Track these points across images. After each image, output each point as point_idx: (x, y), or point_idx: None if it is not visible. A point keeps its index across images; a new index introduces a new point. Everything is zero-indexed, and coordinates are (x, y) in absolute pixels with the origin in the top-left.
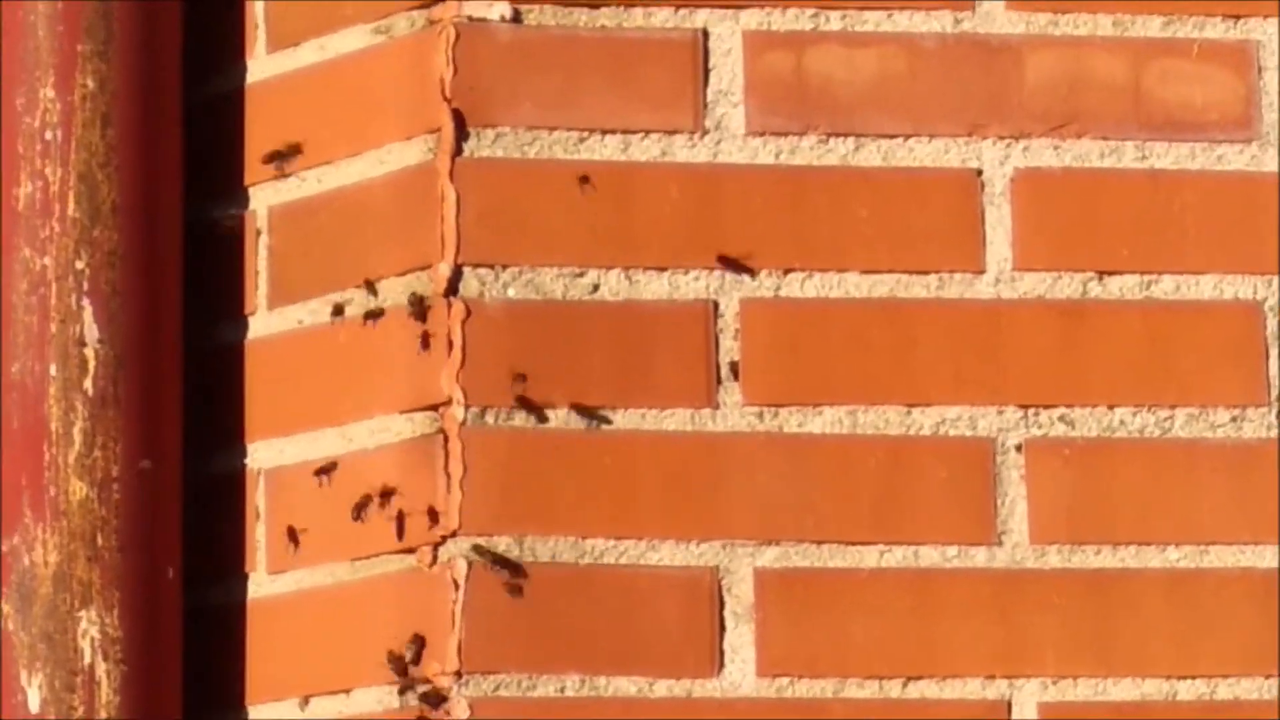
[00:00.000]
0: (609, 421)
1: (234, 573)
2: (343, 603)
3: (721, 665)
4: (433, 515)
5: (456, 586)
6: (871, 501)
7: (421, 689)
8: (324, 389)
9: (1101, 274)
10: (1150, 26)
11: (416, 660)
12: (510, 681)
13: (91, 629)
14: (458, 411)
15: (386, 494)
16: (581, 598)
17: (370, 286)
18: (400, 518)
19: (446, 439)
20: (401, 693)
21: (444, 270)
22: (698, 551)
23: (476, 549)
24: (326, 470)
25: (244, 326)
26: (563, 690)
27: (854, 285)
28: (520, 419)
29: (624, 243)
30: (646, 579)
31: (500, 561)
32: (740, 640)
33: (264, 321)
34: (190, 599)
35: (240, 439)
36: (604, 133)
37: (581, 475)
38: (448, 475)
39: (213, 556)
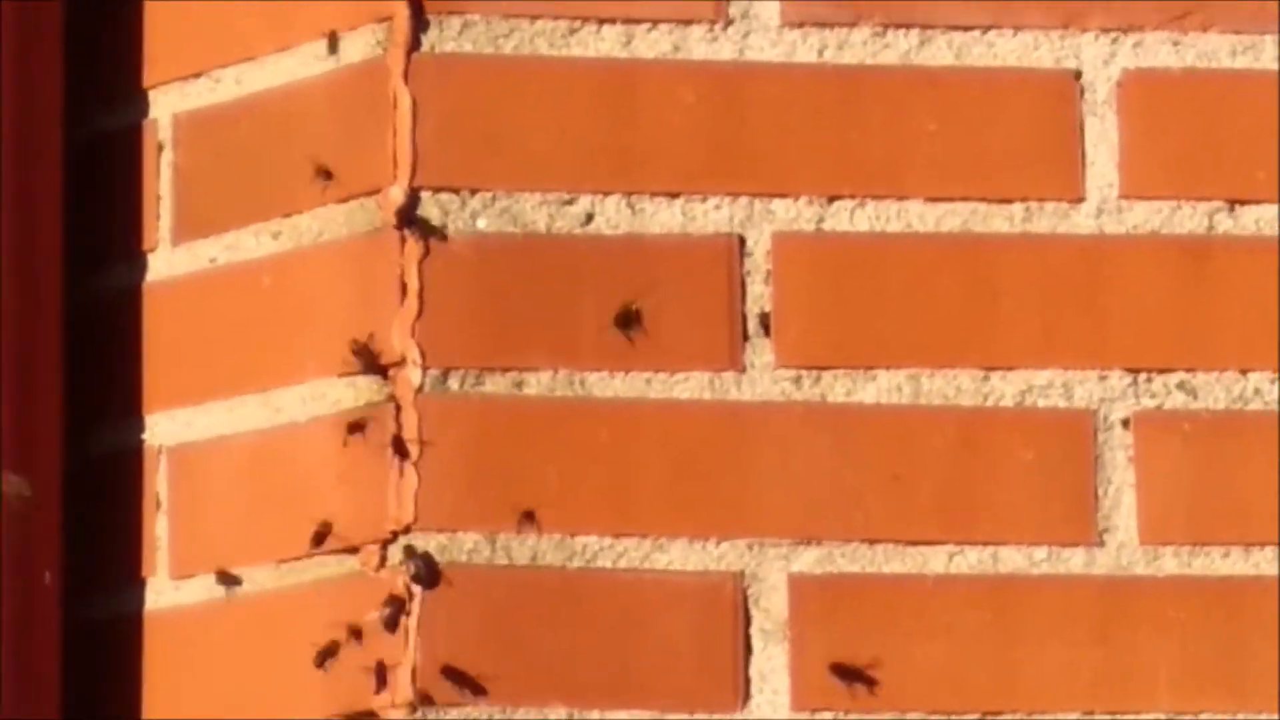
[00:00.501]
0: (605, 388)
1: (128, 578)
2: (266, 617)
3: (747, 697)
4: (380, 506)
5: (410, 596)
6: (938, 490)
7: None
8: (244, 346)
9: (1232, 203)
10: None
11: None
12: (478, 717)
13: None
14: (413, 374)
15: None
16: (570, 610)
17: (300, 217)
18: (340, 506)
19: (399, 409)
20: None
21: (397, 196)
22: (717, 553)
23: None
24: (246, 449)
25: (141, 267)
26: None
27: (917, 217)
28: (493, 384)
29: (625, 162)
30: (652, 587)
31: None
32: (770, 665)
33: (167, 261)
34: (73, 611)
35: (137, 410)
36: (601, 22)
37: (570, 456)
38: (400, 455)
39: (101, 558)
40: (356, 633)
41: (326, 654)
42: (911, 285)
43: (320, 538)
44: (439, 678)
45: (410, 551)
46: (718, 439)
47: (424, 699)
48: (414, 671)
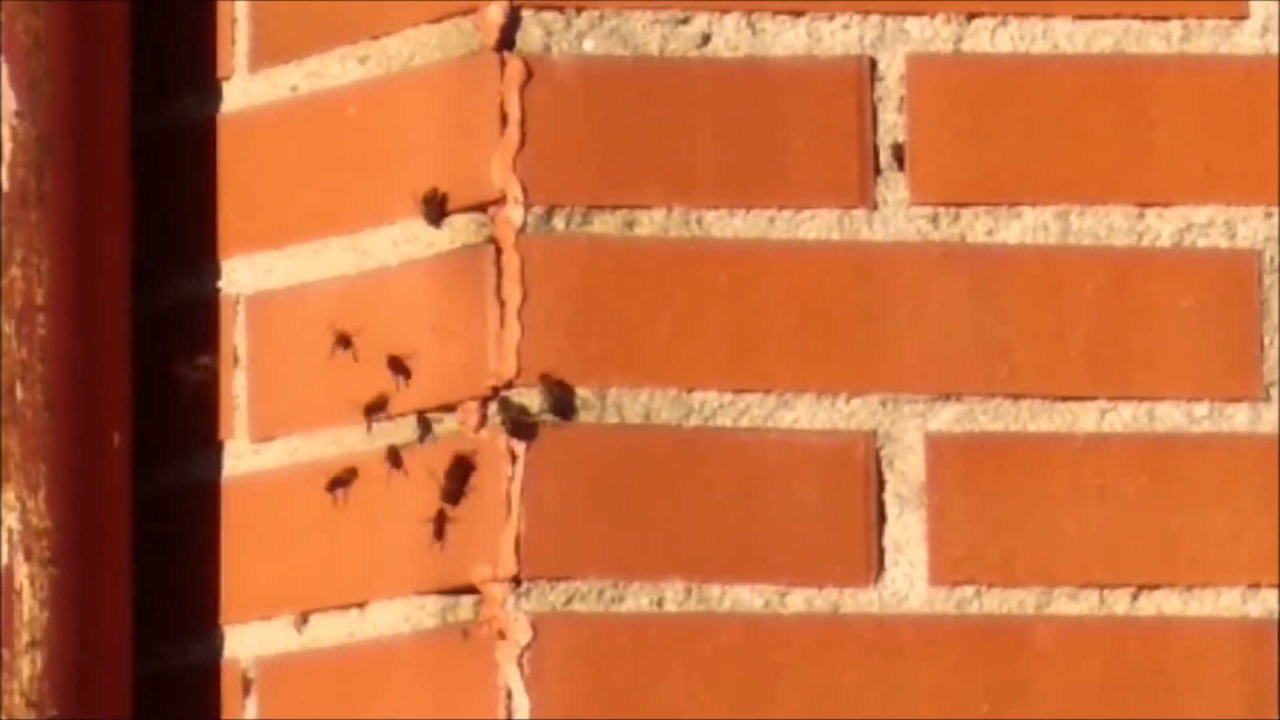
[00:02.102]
0: (724, 228)
1: (203, 441)
2: (355, 483)
3: (880, 569)
4: (479, 359)
5: (513, 457)
6: (1089, 340)
7: (466, 601)
8: (328, 183)
9: None
10: None
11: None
12: (587, 591)
13: (8, 517)
14: (514, 213)
15: (401, 366)
16: (686, 474)
17: (390, 39)
18: (434, 362)
19: (499, 251)
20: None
21: (496, 15)
22: (847, 410)
23: (544, 403)
24: (332, 297)
25: (215, 97)
26: (660, 603)
27: (1065, 37)
28: (602, 224)
29: None
30: (776, 448)
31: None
32: (907, 534)
33: (243, 90)
34: (143, 478)
35: (211, 256)
36: None
37: (686, 303)
38: (501, 302)
39: (174, 419)
40: (451, 498)
41: (439, 522)
42: (1059, 112)
43: (376, 406)
44: (543, 548)
45: (505, 404)
46: (847, 283)
47: (527, 572)
48: (516, 541)
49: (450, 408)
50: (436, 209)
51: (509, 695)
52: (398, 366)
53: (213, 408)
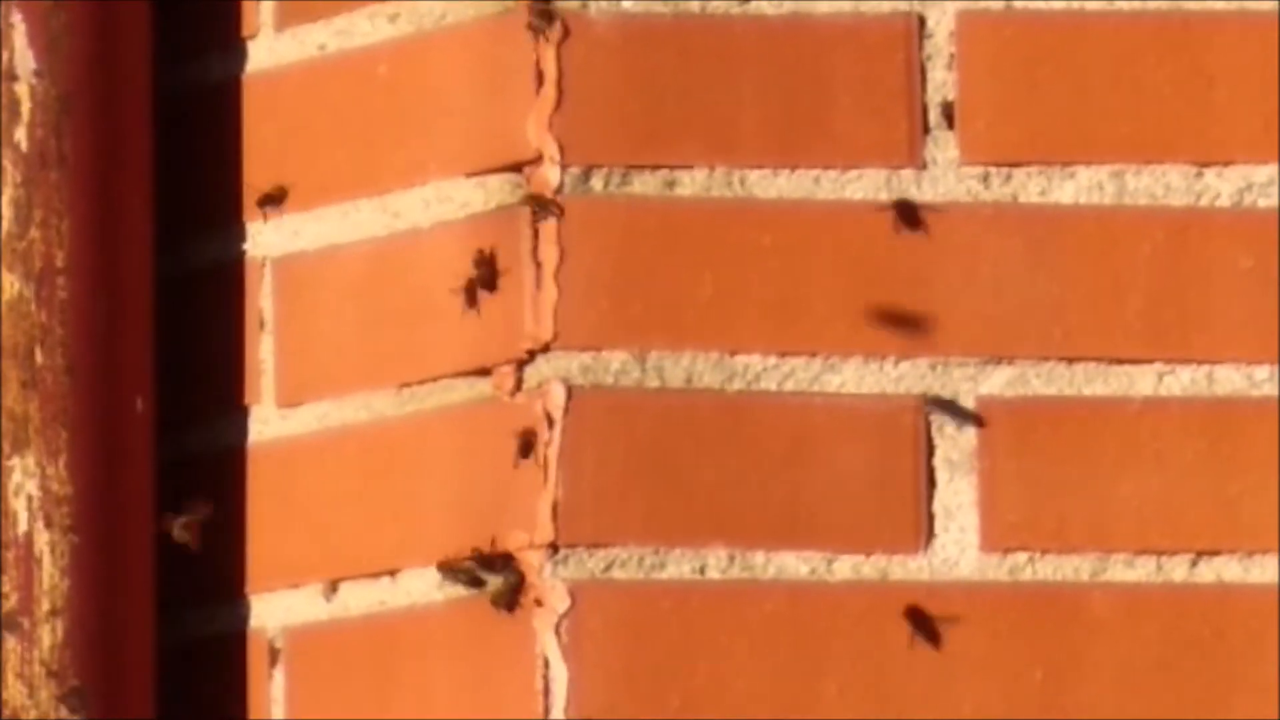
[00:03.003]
0: (768, 187)
1: (229, 405)
2: (385, 448)
3: (930, 536)
4: (515, 322)
5: (550, 422)
6: (1145, 302)
7: (500, 570)
8: (358, 143)
9: None
10: None
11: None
12: (627, 558)
13: (28, 484)
14: (552, 173)
15: (450, 291)
16: (730, 438)
17: None
18: (468, 324)
19: (536, 211)
20: (469, 578)
21: None
22: (896, 373)
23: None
24: (362, 260)
25: (241, 56)
26: (703, 570)
27: None
28: (641, 184)
29: None
30: (823, 412)
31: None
32: (957, 500)
33: (269, 49)
34: (168, 442)
35: (236, 217)
36: None
37: (728, 264)
38: (537, 263)
39: (199, 382)
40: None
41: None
42: (1114, 69)
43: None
44: (582, 514)
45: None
46: (896, 244)
47: (565, 538)
48: (554, 508)
49: (485, 371)
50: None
51: (546, 665)
52: (486, 274)
53: (238, 372)
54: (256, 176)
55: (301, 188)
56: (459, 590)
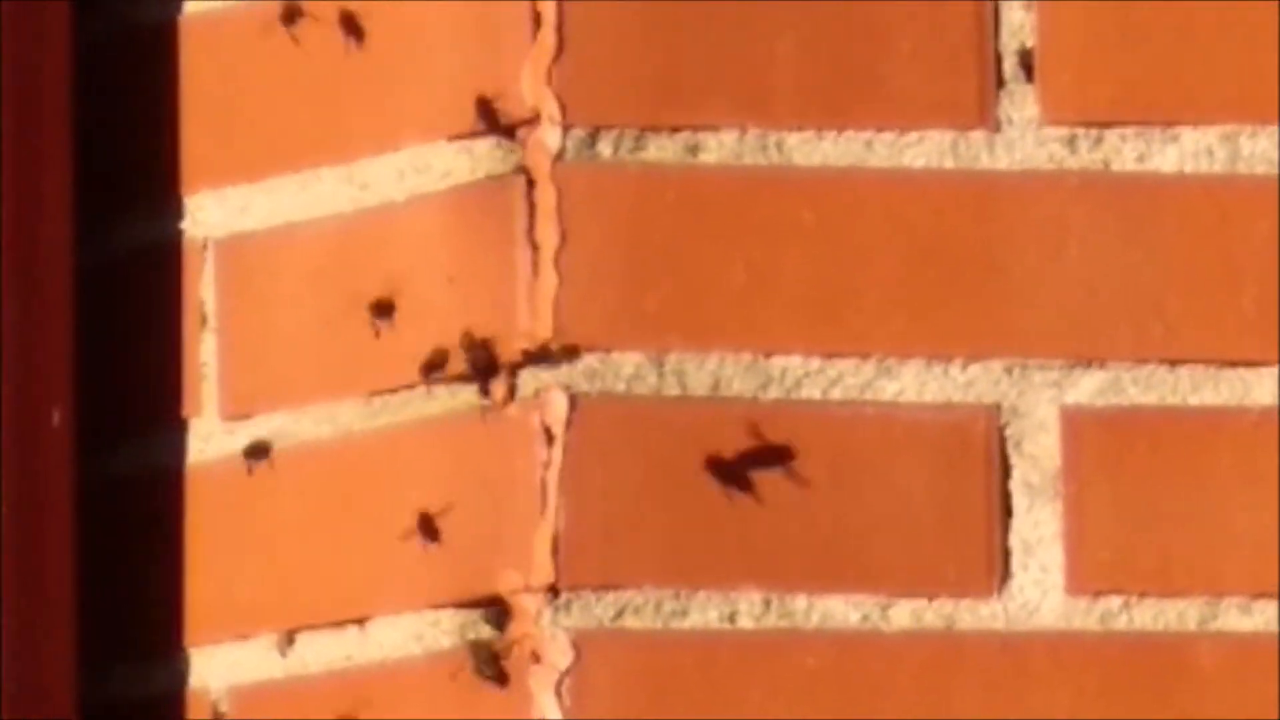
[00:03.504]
0: (810, 153)
1: (164, 418)
2: (352, 469)
3: (1006, 576)
4: (507, 316)
5: (550, 438)
6: (1264, 291)
7: (488, 615)
8: (319, 102)
9: None
10: None
11: (430, 533)
12: (643, 603)
13: None
14: (550, 136)
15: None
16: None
17: None
18: (451, 321)
19: (531, 183)
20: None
21: None
22: (964, 378)
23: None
24: (324, 240)
25: None
26: (732, 618)
27: None
28: (659, 148)
29: None
30: (876, 426)
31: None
32: (1038, 533)
33: None
34: (91, 464)
35: (173, 190)
36: None
37: (764, 246)
38: (534, 246)
39: (128, 391)
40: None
41: (426, 524)
42: (1226, 13)
43: (435, 365)
44: (588, 550)
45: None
46: (964, 221)
47: (568, 580)
48: (554, 542)
49: (470, 379)
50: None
51: None
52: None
53: (175, 378)
54: (197, 140)
55: (251, 154)
56: (441, 642)
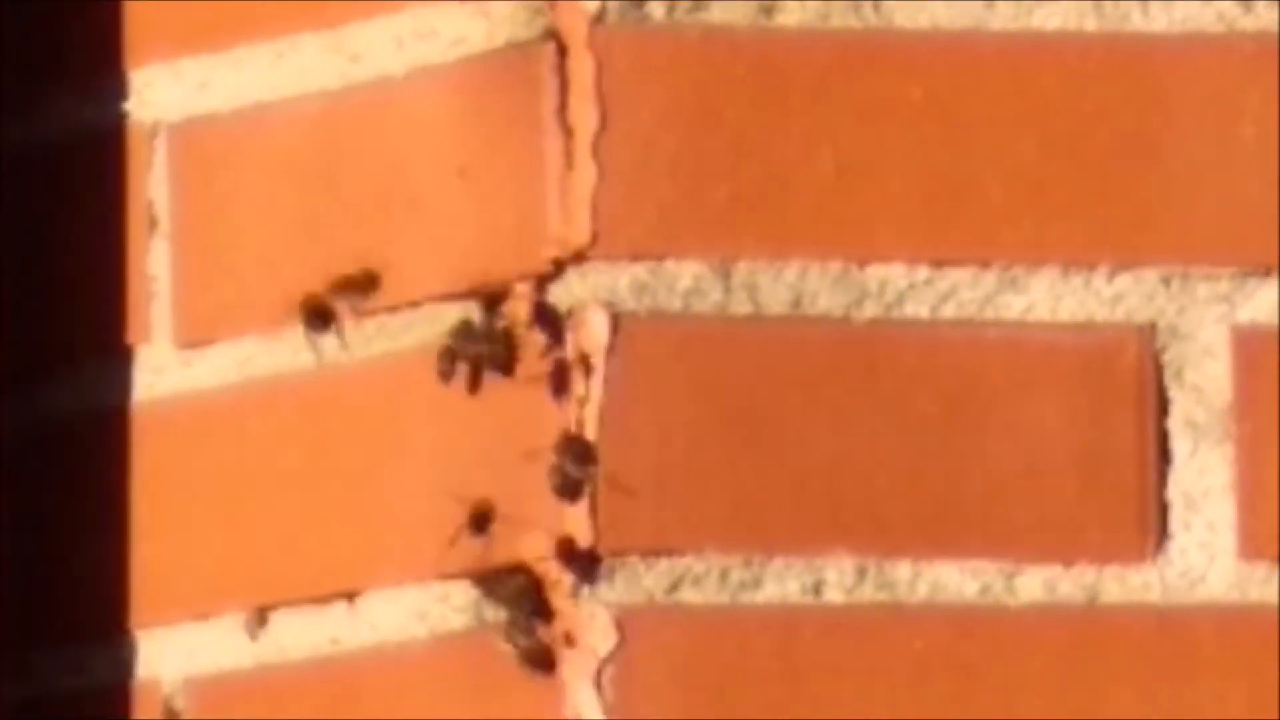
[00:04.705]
0: (914, 13)
1: (106, 346)
2: (336, 408)
3: (1163, 537)
4: (534, 218)
5: (587, 367)
6: None
7: (511, 588)
8: None
9: None
10: None
11: (482, 527)
12: (704, 572)
13: None
14: None
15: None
16: (861, 392)
17: None
18: (464, 223)
19: (563, 53)
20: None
21: None
22: (1110, 291)
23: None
24: (304, 123)
25: None
26: (818, 590)
27: None
28: (725, 9)
29: None
30: (998, 351)
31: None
32: (1203, 483)
33: None
34: (12, 400)
35: (114, 60)
36: None
37: (857, 128)
38: (566, 129)
39: (61, 313)
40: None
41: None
42: None
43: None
44: (635, 508)
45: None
46: (1110, 98)
47: (610, 543)
48: (592, 498)
49: (492, 296)
50: None
51: None
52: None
53: (118, 297)
54: (147, 10)
55: (213, 16)
56: (451, 622)
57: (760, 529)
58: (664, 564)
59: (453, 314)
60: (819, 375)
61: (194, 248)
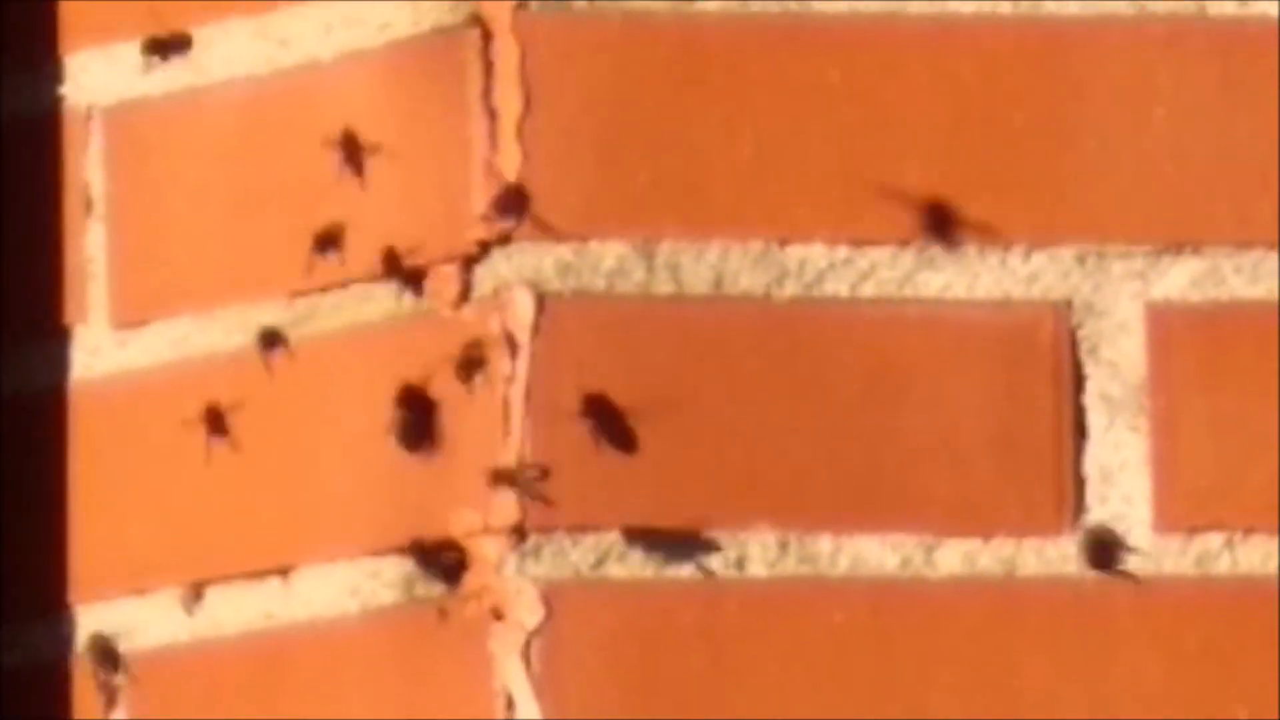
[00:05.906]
0: None
1: (41, 326)
2: (269, 385)
3: (1080, 509)
4: (460, 196)
5: (513, 345)
6: None
7: (443, 561)
8: None
9: None
10: None
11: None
12: (628, 547)
13: None
14: None
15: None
16: (780, 369)
17: None
18: (391, 204)
19: (488, 37)
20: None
21: None
22: (1026, 270)
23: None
24: (234, 106)
25: None
26: (740, 564)
27: None
28: None
29: None
30: (916, 329)
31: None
32: (1119, 457)
33: None
34: None
35: (49, 45)
36: None
37: (778, 111)
38: (491, 113)
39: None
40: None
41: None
42: None
43: (392, 262)
44: (561, 483)
45: None
46: (1025, 80)
47: (536, 519)
48: (517, 473)
49: (416, 273)
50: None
51: (509, 704)
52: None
53: (54, 276)
54: None
55: (145, 2)
56: (382, 596)
57: (684, 505)
58: (590, 539)
59: (381, 294)
60: (741, 353)
61: (129, 230)
